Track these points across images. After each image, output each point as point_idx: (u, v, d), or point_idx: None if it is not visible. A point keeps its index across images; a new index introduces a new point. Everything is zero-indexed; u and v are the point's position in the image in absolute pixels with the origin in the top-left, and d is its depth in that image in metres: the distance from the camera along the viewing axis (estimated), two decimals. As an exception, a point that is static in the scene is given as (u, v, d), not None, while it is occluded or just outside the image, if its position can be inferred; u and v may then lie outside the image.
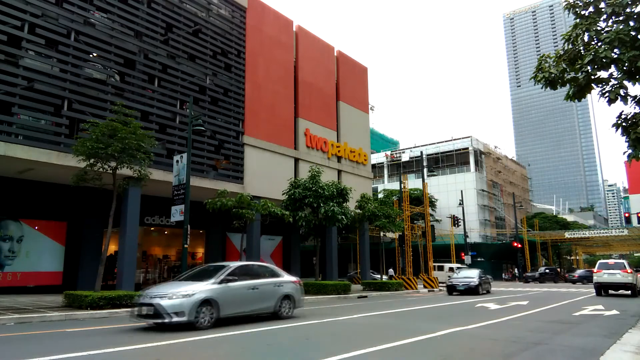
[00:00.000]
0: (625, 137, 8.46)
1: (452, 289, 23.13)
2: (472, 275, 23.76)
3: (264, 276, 11.13)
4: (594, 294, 22.48)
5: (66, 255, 19.58)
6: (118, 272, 17.65)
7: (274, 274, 11.51)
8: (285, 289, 11.33)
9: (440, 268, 40.46)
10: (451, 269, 37.59)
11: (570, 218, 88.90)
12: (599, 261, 22.30)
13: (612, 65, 8.13)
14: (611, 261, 21.94)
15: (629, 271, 20.60)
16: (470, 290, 22.44)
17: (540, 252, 59.06)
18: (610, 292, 22.32)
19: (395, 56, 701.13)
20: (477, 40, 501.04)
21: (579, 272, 49.22)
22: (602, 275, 20.94)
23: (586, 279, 41.52)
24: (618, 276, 20.48)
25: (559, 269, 57.65)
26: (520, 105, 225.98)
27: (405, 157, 67.88)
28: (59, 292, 16.38)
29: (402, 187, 35.51)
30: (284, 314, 11.13)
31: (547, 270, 48.25)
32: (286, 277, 11.71)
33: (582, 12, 8.48)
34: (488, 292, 24.72)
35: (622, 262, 21.60)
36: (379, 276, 37.27)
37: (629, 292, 21.18)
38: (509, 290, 27.71)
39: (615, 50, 7.97)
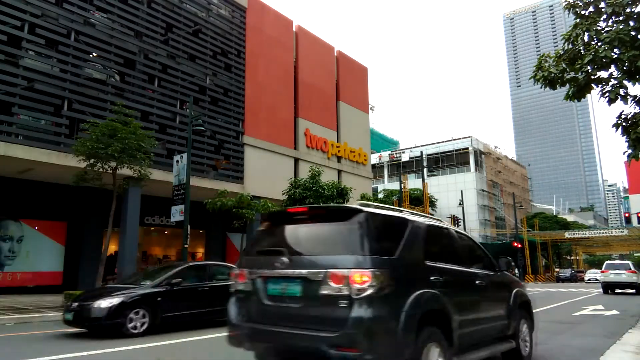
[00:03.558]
0: (625, 137, 8.46)
1: None
2: None
3: None
4: (595, 293, 23.12)
5: (66, 255, 19.57)
6: (118, 272, 17.66)
7: None
8: None
9: None
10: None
11: (570, 218, 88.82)
12: (606, 262, 23.73)
13: (612, 65, 8.12)
14: (617, 262, 23.45)
15: (634, 271, 21.70)
16: None
17: (540, 252, 59.02)
18: (616, 290, 23.33)
19: (395, 56, 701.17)
20: (477, 40, 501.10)
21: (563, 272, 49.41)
22: (609, 275, 22.20)
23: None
24: (623, 276, 21.70)
25: None
26: (520, 105, 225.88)
27: (405, 157, 67.84)
28: (59, 292, 16.35)
29: (402, 187, 35.49)
30: None
31: None
32: None
33: (582, 12, 8.47)
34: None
35: (628, 263, 22.86)
36: None
37: (634, 290, 22.26)
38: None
39: (615, 50, 7.97)
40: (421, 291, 3.92)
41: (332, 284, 3.58)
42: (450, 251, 5.04)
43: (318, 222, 4.25)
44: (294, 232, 4.34)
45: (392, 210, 4.54)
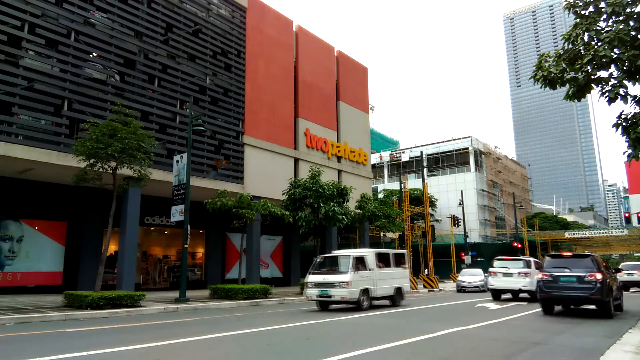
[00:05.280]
0: (625, 137, 8.47)
1: None
2: None
3: None
4: None
5: (66, 255, 19.57)
6: (118, 272, 17.66)
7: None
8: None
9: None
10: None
11: (570, 218, 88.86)
12: (622, 264, 28.32)
13: (612, 65, 8.13)
14: (629, 263, 27.92)
15: None
16: None
17: (540, 252, 59.02)
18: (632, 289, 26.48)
19: (395, 56, 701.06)
20: (477, 40, 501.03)
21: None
22: (623, 276, 25.38)
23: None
24: (635, 276, 25.85)
25: None
26: (520, 105, 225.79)
27: (405, 157, 67.83)
28: (59, 292, 16.37)
29: (402, 187, 35.48)
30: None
31: None
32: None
33: (582, 12, 8.48)
34: None
35: (639, 264, 26.98)
36: None
37: None
38: (509, 290, 27.68)
39: (615, 49, 7.97)
40: (608, 279, 11.83)
41: (589, 277, 11.59)
42: (606, 264, 12.64)
43: (575, 258, 12.56)
44: (565, 260, 12.52)
45: (595, 254, 13.11)
